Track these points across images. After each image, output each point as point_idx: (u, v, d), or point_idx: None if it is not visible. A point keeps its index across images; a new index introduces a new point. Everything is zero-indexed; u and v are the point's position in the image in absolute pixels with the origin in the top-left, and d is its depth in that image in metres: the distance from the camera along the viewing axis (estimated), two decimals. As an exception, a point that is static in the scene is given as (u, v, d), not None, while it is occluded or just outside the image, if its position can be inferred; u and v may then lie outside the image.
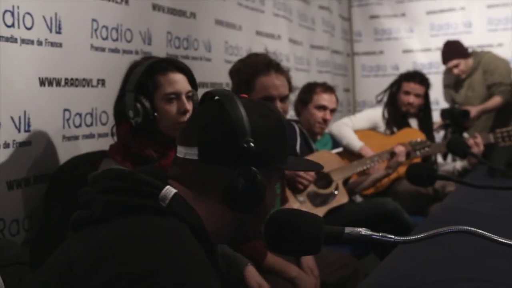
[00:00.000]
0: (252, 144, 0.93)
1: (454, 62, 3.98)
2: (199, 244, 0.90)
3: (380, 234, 1.18)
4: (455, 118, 3.61)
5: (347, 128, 3.41)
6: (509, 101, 3.93)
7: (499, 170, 2.78)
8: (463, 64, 3.99)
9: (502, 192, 2.18)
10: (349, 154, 3.33)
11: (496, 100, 3.90)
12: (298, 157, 2.13)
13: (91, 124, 2.17)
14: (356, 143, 3.31)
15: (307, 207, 2.72)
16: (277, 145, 1.00)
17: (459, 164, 3.51)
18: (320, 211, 2.76)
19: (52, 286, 0.85)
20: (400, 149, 3.03)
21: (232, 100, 0.97)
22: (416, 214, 3.07)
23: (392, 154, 3.05)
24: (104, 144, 2.14)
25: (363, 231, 1.16)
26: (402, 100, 3.55)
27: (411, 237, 1.20)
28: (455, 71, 4.01)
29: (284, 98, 2.22)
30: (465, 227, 1.18)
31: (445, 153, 3.65)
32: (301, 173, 2.64)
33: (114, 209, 0.91)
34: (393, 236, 1.17)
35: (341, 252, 2.46)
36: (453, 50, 4.00)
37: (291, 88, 2.30)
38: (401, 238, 1.18)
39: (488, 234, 1.17)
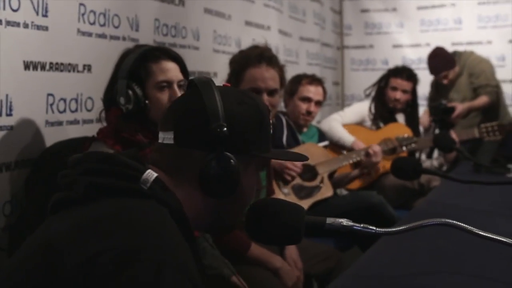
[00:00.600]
0: (225, 129, 0.93)
1: (443, 74, 3.99)
2: (179, 228, 0.91)
3: (362, 225, 1.18)
4: (441, 114, 3.62)
5: (337, 124, 3.42)
6: (494, 101, 3.95)
7: (484, 166, 2.79)
8: (451, 74, 4.00)
9: (487, 187, 2.19)
10: (335, 148, 3.33)
11: (482, 100, 3.92)
12: (281, 149, 2.12)
13: (76, 110, 2.14)
14: (347, 137, 3.31)
15: (292, 199, 2.71)
16: (255, 132, 0.99)
17: (435, 161, 3.53)
18: (305, 204, 2.77)
19: (32, 264, 0.84)
20: (374, 150, 3.04)
21: (208, 86, 0.98)
22: (401, 208, 3.07)
23: (367, 154, 3.06)
24: (89, 130, 2.12)
25: (344, 222, 1.16)
26: (389, 95, 3.56)
27: (393, 229, 1.20)
28: (445, 81, 4.02)
29: (272, 92, 2.20)
30: (446, 220, 1.18)
31: (431, 149, 3.67)
32: (289, 165, 2.63)
33: (96, 191, 0.91)
34: (374, 228, 1.17)
35: (325, 245, 2.48)
36: (441, 63, 3.98)
37: (283, 83, 2.28)
38: (383, 230, 1.18)
39: (469, 227, 1.17)
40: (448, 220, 1.18)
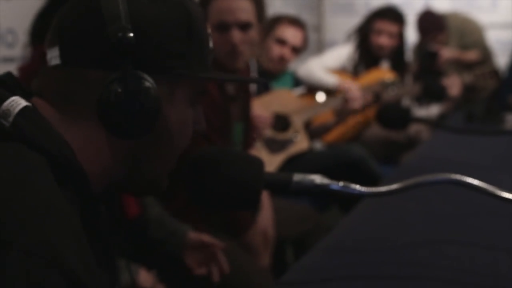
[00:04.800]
0: (130, 34, 0.64)
1: (432, 34, 3.66)
2: (65, 186, 0.61)
3: (342, 183, 0.90)
4: (425, 61, 3.30)
5: (317, 66, 3.05)
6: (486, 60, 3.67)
7: (478, 115, 2.52)
8: (441, 37, 3.68)
9: (482, 139, 1.99)
10: (312, 95, 3.00)
11: (474, 53, 3.62)
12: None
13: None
14: (329, 77, 2.95)
15: (262, 155, 2.41)
16: (180, 41, 0.68)
17: (434, 109, 3.24)
18: (277, 159, 2.49)
19: None
20: (352, 94, 2.69)
21: None
22: (386, 163, 2.83)
23: (345, 99, 2.71)
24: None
25: (318, 179, 0.89)
26: (374, 41, 3.18)
27: (382, 189, 0.93)
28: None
29: (245, 26, 1.79)
30: (456, 177, 0.91)
31: (419, 97, 3.38)
32: (256, 114, 2.29)
33: None
34: (358, 187, 0.91)
35: (298, 204, 2.20)
36: (431, 23, 3.66)
37: (261, 17, 1.88)
38: (369, 190, 0.91)
39: (488, 186, 0.89)
40: (457, 177, 0.91)
